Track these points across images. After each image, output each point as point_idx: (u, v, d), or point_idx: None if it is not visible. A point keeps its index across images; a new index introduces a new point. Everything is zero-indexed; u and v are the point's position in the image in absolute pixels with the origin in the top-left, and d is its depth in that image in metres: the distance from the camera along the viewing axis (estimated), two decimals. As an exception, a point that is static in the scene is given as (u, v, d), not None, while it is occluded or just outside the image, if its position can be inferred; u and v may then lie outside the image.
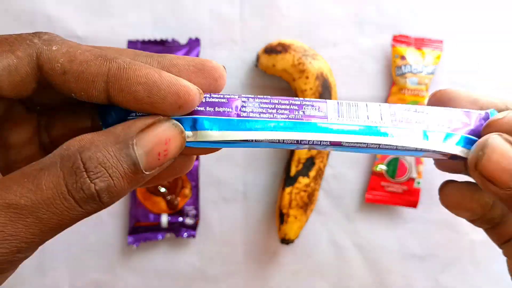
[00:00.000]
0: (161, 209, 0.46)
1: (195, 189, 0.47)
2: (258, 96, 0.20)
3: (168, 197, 0.46)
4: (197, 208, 0.47)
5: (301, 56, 0.44)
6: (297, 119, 0.20)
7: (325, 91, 0.45)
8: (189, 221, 0.47)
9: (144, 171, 0.17)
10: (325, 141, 0.20)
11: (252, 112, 0.20)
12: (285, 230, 0.46)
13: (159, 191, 0.46)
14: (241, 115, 0.19)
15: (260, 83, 0.48)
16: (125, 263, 0.48)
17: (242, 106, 0.20)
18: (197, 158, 0.47)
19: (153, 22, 0.47)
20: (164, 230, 0.47)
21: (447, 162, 0.23)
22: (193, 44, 0.46)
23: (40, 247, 0.48)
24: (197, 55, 0.46)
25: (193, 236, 0.47)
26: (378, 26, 0.48)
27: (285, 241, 0.46)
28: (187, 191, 0.47)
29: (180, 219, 0.47)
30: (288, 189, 0.45)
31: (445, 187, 0.22)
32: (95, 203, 0.16)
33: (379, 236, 0.49)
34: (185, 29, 0.47)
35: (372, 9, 0.48)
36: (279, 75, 0.46)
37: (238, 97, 0.20)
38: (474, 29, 0.49)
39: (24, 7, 0.46)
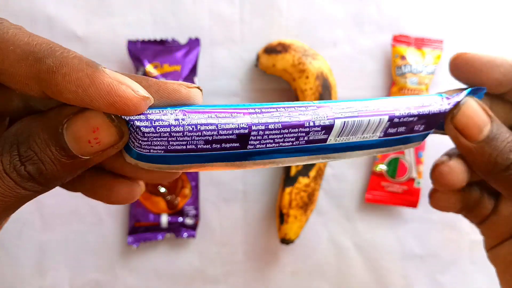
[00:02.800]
0: (161, 209, 0.46)
1: (195, 189, 0.47)
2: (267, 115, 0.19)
3: (168, 197, 0.46)
4: (197, 208, 0.47)
5: (301, 56, 0.44)
6: (300, 145, 0.19)
7: (325, 91, 0.44)
8: (189, 221, 0.47)
9: (79, 155, 0.17)
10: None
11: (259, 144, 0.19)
12: (285, 230, 0.46)
13: (159, 191, 0.46)
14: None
15: (260, 83, 0.48)
16: (125, 263, 0.48)
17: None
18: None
19: (153, 22, 0.47)
20: (164, 230, 0.47)
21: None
22: (193, 44, 0.46)
23: (40, 247, 0.48)
24: (197, 55, 0.46)
25: (193, 236, 0.47)
26: (378, 26, 0.48)
27: (285, 241, 0.46)
28: (187, 191, 0.47)
29: (180, 219, 0.47)
30: (288, 189, 0.45)
31: (434, 194, 0.26)
32: (33, 182, 0.17)
33: (379, 236, 0.49)
34: (185, 29, 0.47)
35: (372, 9, 0.48)
36: (279, 75, 0.46)
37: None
38: (474, 29, 0.49)
39: (24, 7, 0.46)
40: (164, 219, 0.46)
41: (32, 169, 0.17)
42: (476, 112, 0.22)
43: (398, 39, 0.47)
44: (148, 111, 0.17)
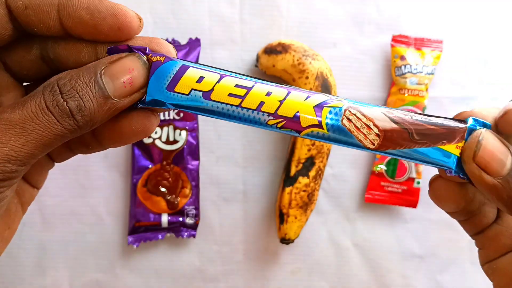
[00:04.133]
0: (161, 209, 0.46)
1: (195, 189, 0.47)
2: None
3: (168, 197, 0.46)
4: (197, 208, 0.47)
5: (301, 56, 0.44)
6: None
7: (325, 91, 0.45)
8: (189, 221, 0.47)
9: (113, 97, 0.20)
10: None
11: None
12: (285, 230, 0.46)
13: (159, 191, 0.46)
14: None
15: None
16: (125, 263, 0.48)
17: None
18: (198, 158, 0.47)
19: (153, 22, 0.47)
20: (164, 230, 0.47)
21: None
22: (193, 44, 0.46)
23: (40, 247, 0.49)
24: (198, 55, 0.46)
25: (193, 236, 0.47)
26: (378, 26, 0.48)
27: (285, 241, 0.46)
28: (187, 191, 0.47)
29: (180, 219, 0.47)
30: (288, 189, 0.45)
31: (435, 181, 0.24)
32: (69, 119, 0.19)
33: (379, 236, 0.49)
34: (185, 29, 0.47)
35: (372, 9, 0.48)
36: (279, 75, 0.46)
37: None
38: (474, 29, 0.49)
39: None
40: (164, 219, 0.47)
41: (73, 105, 0.19)
42: (497, 145, 0.21)
43: (398, 40, 0.47)
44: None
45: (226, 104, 0.20)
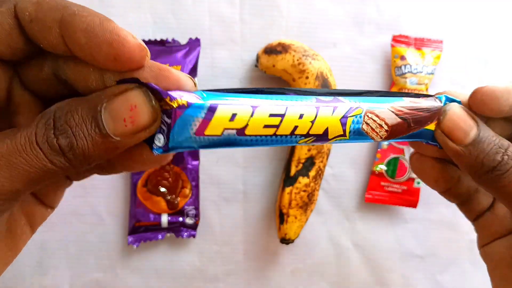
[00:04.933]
0: (161, 209, 0.46)
1: (195, 189, 0.47)
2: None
3: (168, 197, 0.47)
4: (197, 208, 0.47)
5: (301, 56, 0.44)
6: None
7: (325, 91, 0.45)
8: (189, 221, 0.47)
9: (113, 136, 0.18)
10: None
11: None
12: (285, 230, 0.46)
13: (159, 191, 0.46)
14: None
15: (260, 83, 0.48)
16: (125, 263, 0.48)
17: None
18: (198, 158, 0.47)
19: (153, 22, 0.47)
20: (164, 230, 0.47)
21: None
22: (193, 44, 0.46)
23: (40, 247, 0.49)
24: (197, 55, 0.46)
25: (193, 236, 0.47)
26: (378, 26, 0.48)
27: (285, 241, 0.46)
28: (187, 191, 0.47)
29: (180, 219, 0.47)
30: (288, 189, 0.45)
31: (413, 156, 0.27)
32: (60, 157, 0.18)
33: (379, 236, 0.49)
34: (185, 29, 0.47)
35: (372, 9, 0.48)
36: (279, 75, 0.46)
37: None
38: (474, 29, 0.49)
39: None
40: (164, 219, 0.47)
41: (63, 142, 0.17)
42: (462, 116, 0.23)
43: (398, 40, 0.47)
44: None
45: (261, 136, 0.20)
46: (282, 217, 0.46)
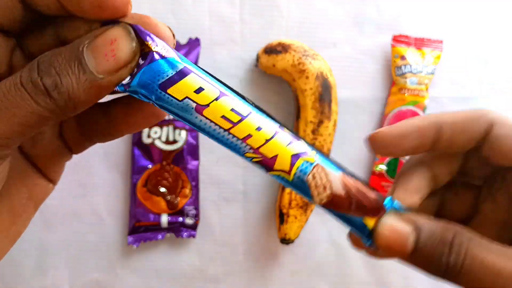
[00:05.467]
0: (161, 209, 0.46)
1: (195, 189, 0.47)
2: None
3: (168, 197, 0.46)
4: (197, 208, 0.47)
5: (301, 56, 0.44)
6: None
7: (325, 91, 0.45)
8: (189, 221, 0.47)
9: (95, 72, 0.18)
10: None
11: None
12: (285, 230, 0.46)
13: (159, 191, 0.46)
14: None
15: (260, 83, 0.48)
16: (125, 263, 0.48)
17: None
18: (198, 158, 0.47)
19: (153, 22, 0.47)
20: (164, 230, 0.47)
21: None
22: (193, 44, 0.46)
23: (40, 247, 0.48)
24: (197, 55, 0.46)
25: (193, 236, 0.47)
26: (378, 26, 0.48)
27: (285, 241, 0.46)
28: (187, 191, 0.47)
29: (180, 219, 0.47)
30: (288, 189, 0.45)
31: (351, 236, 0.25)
32: (45, 97, 0.18)
33: (379, 236, 0.49)
34: (185, 29, 0.47)
35: (372, 9, 0.48)
36: (279, 75, 0.46)
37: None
38: (474, 29, 0.49)
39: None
40: (164, 219, 0.46)
41: (48, 81, 0.18)
42: (394, 229, 0.21)
43: (398, 39, 0.47)
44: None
45: (216, 124, 0.19)
46: (282, 217, 0.46)
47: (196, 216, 0.47)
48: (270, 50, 0.45)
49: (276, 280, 0.49)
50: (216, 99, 0.19)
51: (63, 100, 0.18)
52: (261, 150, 0.20)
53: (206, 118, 0.19)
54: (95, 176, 0.48)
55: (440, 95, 0.49)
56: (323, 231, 0.49)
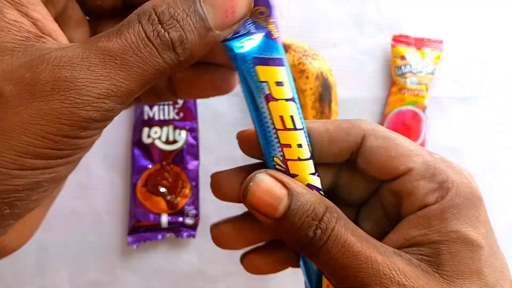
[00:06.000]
0: (161, 209, 0.46)
1: (195, 189, 0.47)
2: None
3: (168, 197, 0.46)
4: (197, 208, 0.47)
5: (301, 56, 0.44)
6: None
7: (325, 91, 0.45)
8: (189, 221, 0.47)
9: (214, 28, 0.18)
10: None
11: None
12: (285, 230, 0.46)
13: (159, 191, 0.46)
14: None
15: (260, 83, 0.48)
16: (125, 263, 0.48)
17: None
18: (198, 158, 0.47)
19: (153, 22, 0.47)
20: (164, 230, 0.47)
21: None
22: (193, 44, 0.46)
23: (40, 247, 0.48)
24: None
25: (193, 236, 0.47)
26: (378, 26, 0.48)
27: (285, 241, 0.46)
28: (187, 191, 0.47)
29: (180, 219, 0.47)
30: (288, 189, 0.45)
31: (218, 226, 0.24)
32: (171, 52, 0.17)
33: (379, 236, 0.49)
34: (185, 29, 0.47)
35: (372, 9, 0.48)
36: (279, 75, 0.46)
37: None
38: (474, 29, 0.49)
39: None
40: (164, 219, 0.46)
41: (175, 36, 0.17)
42: (268, 187, 0.20)
43: (398, 39, 0.47)
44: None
45: (271, 118, 0.20)
46: (282, 217, 0.46)
47: (196, 216, 0.47)
48: (270, 50, 0.45)
49: (276, 280, 0.49)
50: (287, 100, 0.20)
51: (185, 55, 0.18)
52: (289, 163, 0.20)
53: (268, 109, 0.20)
54: (95, 176, 0.48)
55: (440, 95, 0.49)
56: (323, 231, 0.49)
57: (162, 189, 0.46)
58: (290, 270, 0.51)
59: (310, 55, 0.45)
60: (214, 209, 0.48)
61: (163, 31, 0.17)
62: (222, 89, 0.22)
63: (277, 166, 0.21)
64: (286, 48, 0.45)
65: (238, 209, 0.51)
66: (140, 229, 0.47)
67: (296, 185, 0.20)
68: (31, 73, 0.15)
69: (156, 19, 0.17)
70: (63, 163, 0.17)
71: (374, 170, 0.22)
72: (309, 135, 0.21)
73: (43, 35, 0.17)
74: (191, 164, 0.47)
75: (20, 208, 0.17)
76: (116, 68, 0.16)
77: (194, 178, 0.47)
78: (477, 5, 0.49)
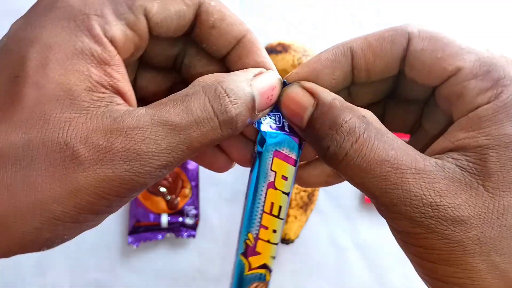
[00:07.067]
0: (161, 209, 0.46)
1: (195, 189, 0.47)
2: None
3: (168, 197, 0.47)
4: (197, 208, 0.47)
5: (301, 56, 0.44)
6: None
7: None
8: (189, 221, 0.47)
9: (256, 110, 0.19)
10: None
11: None
12: (285, 230, 0.46)
13: (159, 191, 0.46)
14: None
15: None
16: (125, 263, 0.48)
17: None
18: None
19: (153, 22, 0.47)
20: (164, 230, 0.47)
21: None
22: (193, 44, 0.47)
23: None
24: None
25: (193, 236, 0.47)
26: (378, 26, 0.48)
27: (285, 241, 0.46)
28: (187, 191, 0.47)
29: (180, 219, 0.47)
30: (288, 189, 0.45)
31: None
32: (231, 127, 0.18)
33: (379, 236, 0.49)
34: (185, 29, 0.47)
35: (371, 9, 0.48)
36: (279, 75, 0.46)
37: None
38: (474, 29, 0.49)
39: (24, 8, 0.46)
40: (164, 219, 0.47)
41: (238, 112, 0.18)
42: (295, 97, 0.20)
43: (398, 39, 0.47)
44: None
45: (264, 201, 0.22)
46: (282, 217, 0.46)
47: (196, 216, 0.47)
48: (270, 50, 0.45)
49: (276, 280, 0.49)
50: (283, 192, 0.22)
51: (237, 130, 0.19)
52: (259, 241, 0.23)
53: (266, 193, 0.22)
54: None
55: (440, 95, 0.49)
56: (323, 231, 0.49)
57: (162, 189, 0.46)
58: (290, 270, 0.52)
59: (310, 55, 0.45)
60: (214, 209, 0.48)
61: (230, 106, 0.18)
62: (237, 162, 0.24)
63: (247, 241, 0.23)
64: (286, 48, 0.45)
65: (238, 208, 0.51)
66: (140, 229, 0.47)
67: (325, 93, 0.20)
68: (105, 141, 0.17)
69: (223, 93, 0.18)
70: (107, 216, 0.19)
71: (421, 77, 0.20)
72: (352, 55, 0.22)
73: (115, 95, 0.18)
74: (191, 164, 0.47)
75: (54, 246, 0.19)
76: (180, 142, 0.17)
77: (194, 178, 0.47)
78: (477, 5, 0.49)
